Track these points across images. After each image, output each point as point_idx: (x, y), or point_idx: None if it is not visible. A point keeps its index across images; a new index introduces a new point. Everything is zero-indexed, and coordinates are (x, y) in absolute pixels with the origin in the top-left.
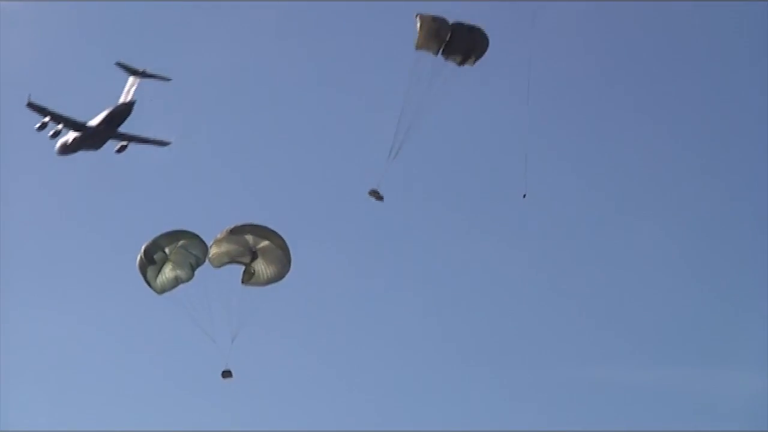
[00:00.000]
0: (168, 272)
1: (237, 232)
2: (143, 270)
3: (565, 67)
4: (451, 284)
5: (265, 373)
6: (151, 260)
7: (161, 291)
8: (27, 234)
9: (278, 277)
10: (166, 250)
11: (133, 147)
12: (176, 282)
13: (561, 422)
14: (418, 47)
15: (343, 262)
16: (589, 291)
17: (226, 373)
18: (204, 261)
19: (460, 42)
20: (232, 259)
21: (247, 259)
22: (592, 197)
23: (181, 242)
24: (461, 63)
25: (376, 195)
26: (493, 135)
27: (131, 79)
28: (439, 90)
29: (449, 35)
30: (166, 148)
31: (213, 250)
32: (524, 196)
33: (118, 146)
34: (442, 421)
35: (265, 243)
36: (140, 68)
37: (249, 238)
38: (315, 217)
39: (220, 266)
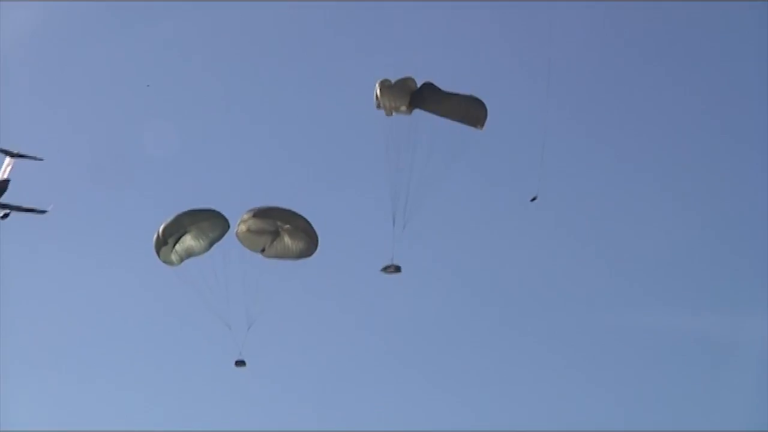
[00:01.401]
0: (184, 242)
1: (262, 215)
2: (158, 248)
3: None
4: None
5: (280, 365)
6: (166, 241)
7: (174, 263)
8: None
9: (307, 252)
10: (186, 228)
11: None
12: (189, 253)
13: (592, 368)
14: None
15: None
16: (617, 240)
17: (240, 363)
18: (222, 237)
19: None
20: (260, 236)
21: (268, 240)
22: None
23: (201, 220)
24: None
25: (392, 269)
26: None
27: (8, 159)
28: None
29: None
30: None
31: (240, 228)
32: (533, 199)
33: (1, 214)
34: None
35: (288, 226)
36: (15, 150)
37: (275, 221)
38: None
39: (253, 250)
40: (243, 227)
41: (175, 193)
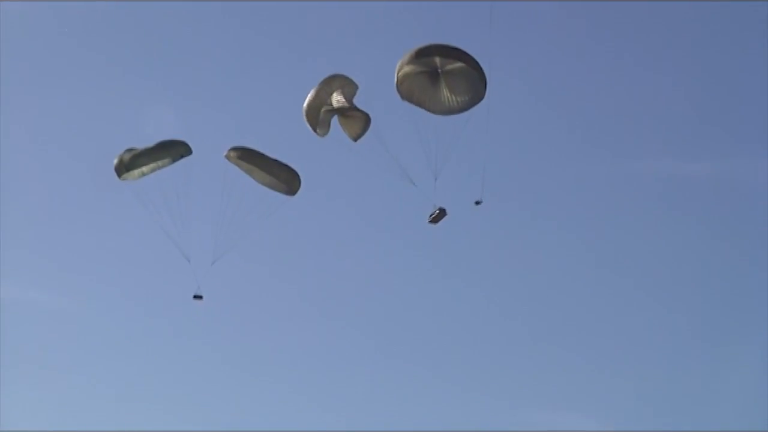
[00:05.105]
0: (146, 162)
1: (248, 158)
2: (118, 173)
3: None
4: None
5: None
6: (128, 169)
7: (135, 177)
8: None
9: (291, 182)
10: (151, 157)
11: None
12: (152, 169)
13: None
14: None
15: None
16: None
17: (197, 297)
18: (183, 157)
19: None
20: (250, 164)
21: (256, 167)
22: None
23: (165, 146)
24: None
25: (438, 215)
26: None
27: None
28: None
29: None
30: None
31: (230, 153)
32: (478, 203)
33: None
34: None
35: (275, 162)
36: None
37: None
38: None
39: (242, 168)
40: (233, 153)
41: None
